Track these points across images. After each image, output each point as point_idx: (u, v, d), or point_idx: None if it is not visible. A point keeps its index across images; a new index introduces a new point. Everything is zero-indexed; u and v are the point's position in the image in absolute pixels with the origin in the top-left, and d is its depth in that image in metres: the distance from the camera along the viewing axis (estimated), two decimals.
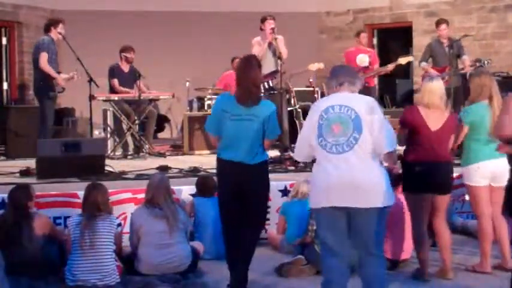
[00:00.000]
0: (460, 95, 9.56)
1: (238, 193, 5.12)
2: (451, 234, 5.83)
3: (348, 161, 4.30)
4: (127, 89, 9.87)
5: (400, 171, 5.74)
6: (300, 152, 4.64)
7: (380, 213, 4.36)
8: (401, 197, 5.92)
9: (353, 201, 4.29)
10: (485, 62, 9.83)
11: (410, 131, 5.58)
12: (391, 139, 4.42)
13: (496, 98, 5.69)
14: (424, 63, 10.22)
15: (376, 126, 4.34)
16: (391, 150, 4.44)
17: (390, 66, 10.38)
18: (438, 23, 10.22)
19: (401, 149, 5.77)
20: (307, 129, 4.49)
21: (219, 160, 5.25)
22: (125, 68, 10.10)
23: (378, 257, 4.45)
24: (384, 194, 4.35)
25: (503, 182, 5.85)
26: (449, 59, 9.77)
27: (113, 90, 9.98)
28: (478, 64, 9.81)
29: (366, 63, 10.23)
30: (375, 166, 4.36)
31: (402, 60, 10.32)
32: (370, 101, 4.47)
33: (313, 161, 4.58)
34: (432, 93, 5.56)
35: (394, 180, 5.95)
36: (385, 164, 4.67)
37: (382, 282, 4.48)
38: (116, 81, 9.96)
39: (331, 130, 4.34)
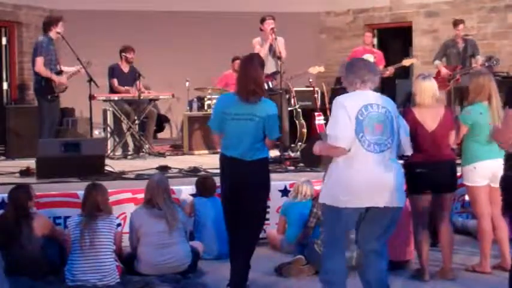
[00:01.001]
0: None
1: (239, 188, 5.14)
2: (454, 234, 5.83)
3: (381, 161, 4.31)
4: (126, 88, 9.88)
5: None
6: (344, 138, 4.28)
7: (397, 213, 4.45)
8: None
9: (382, 201, 4.31)
10: (494, 62, 9.88)
11: (409, 133, 5.57)
12: (409, 141, 4.58)
13: (494, 99, 5.69)
14: (437, 62, 10.31)
15: (402, 130, 4.47)
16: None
17: (392, 68, 10.40)
18: (456, 23, 10.35)
19: None
20: (345, 119, 4.29)
21: (221, 157, 5.28)
22: (125, 68, 10.11)
23: (384, 258, 4.48)
24: (404, 194, 4.50)
25: None
26: (462, 59, 9.82)
27: (112, 90, 10.00)
28: (487, 64, 9.85)
29: None
30: (400, 167, 4.47)
31: (406, 62, 10.36)
32: (394, 104, 4.55)
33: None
34: (423, 92, 5.55)
35: None
36: None
37: (384, 282, 4.48)
38: (115, 81, 9.97)
39: (373, 128, 4.32)
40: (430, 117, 5.54)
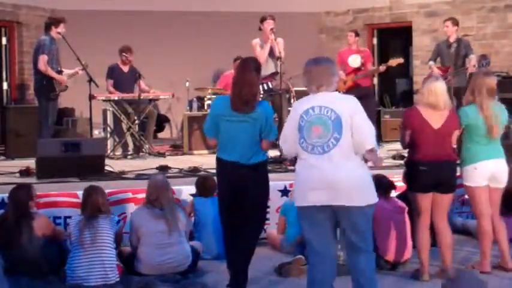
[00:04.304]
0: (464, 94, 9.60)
1: (237, 193, 5.12)
2: (452, 234, 5.83)
3: (329, 161, 4.35)
4: (118, 92, 9.87)
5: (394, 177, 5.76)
6: (289, 150, 4.68)
7: (364, 212, 4.40)
8: (399, 201, 6.03)
9: (335, 201, 4.33)
10: (484, 63, 9.90)
11: (413, 132, 5.57)
12: (372, 136, 4.47)
13: (485, 99, 5.67)
14: (431, 63, 10.31)
15: (357, 125, 4.39)
16: (373, 148, 4.45)
17: (381, 68, 10.48)
18: (444, 21, 10.34)
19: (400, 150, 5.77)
20: (289, 128, 4.55)
21: (218, 161, 5.26)
22: (125, 68, 10.12)
23: (366, 254, 4.47)
24: (366, 192, 4.42)
25: (502, 183, 5.85)
26: (454, 59, 9.81)
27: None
28: (483, 62, 9.86)
29: (358, 64, 10.28)
30: (356, 165, 4.41)
31: (392, 62, 10.42)
32: (351, 100, 4.51)
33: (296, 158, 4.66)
34: (438, 94, 5.53)
35: (387, 187, 6.02)
36: (370, 164, 4.69)
37: (372, 279, 4.49)
38: (110, 82, 9.99)
39: (311, 132, 4.40)
40: (436, 116, 5.53)
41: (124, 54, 10.05)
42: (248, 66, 5.15)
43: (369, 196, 4.43)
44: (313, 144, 4.39)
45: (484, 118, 5.65)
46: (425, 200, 5.58)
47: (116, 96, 9.77)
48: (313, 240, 4.46)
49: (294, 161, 4.86)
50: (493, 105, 5.75)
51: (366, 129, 4.42)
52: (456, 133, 5.65)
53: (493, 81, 5.83)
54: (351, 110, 4.41)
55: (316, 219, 4.42)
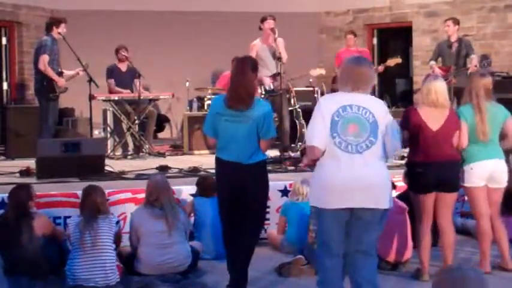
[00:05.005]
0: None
1: (237, 193, 5.11)
2: (455, 234, 5.82)
3: (361, 162, 4.28)
4: (121, 90, 9.91)
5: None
6: (316, 137, 4.31)
7: (385, 215, 4.39)
8: (399, 201, 6.02)
9: (364, 202, 4.28)
10: (485, 63, 9.89)
11: (412, 132, 5.56)
12: (400, 140, 4.55)
13: (482, 100, 5.67)
14: (432, 62, 10.31)
15: (390, 131, 4.40)
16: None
17: (380, 68, 10.49)
18: (445, 21, 10.34)
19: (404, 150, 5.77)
20: (319, 119, 4.34)
21: (217, 160, 5.26)
22: (123, 67, 10.13)
23: (372, 258, 4.45)
24: (389, 195, 4.42)
25: (501, 183, 5.84)
26: (455, 59, 9.81)
27: (111, 90, 10.02)
28: (485, 62, 9.86)
29: None
30: (384, 169, 4.41)
31: (390, 62, 10.41)
32: (383, 105, 4.52)
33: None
34: (438, 92, 5.53)
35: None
36: None
37: (373, 282, 4.46)
38: (112, 82, 10.01)
39: (347, 129, 4.30)
40: (436, 116, 5.52)
41: (121, 52, 10.06)
42: (245, 67, 5.13)
43: (391, 199, 4.44)
44: (347, 141, 4.29)
45: (478, 119, 5.64)
46: (427, 200, 5.57)
47: (116, 96, 9.78)
48: (332, 242, 4.38)
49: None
50: (490, 106, 5.75)
51: (396, 135, 4.45)
52: (457, 134, 5.63)
53: (489, 81, 5.84)
54: (385, 116, 4.41)
55: (338, 220, 4.33)
